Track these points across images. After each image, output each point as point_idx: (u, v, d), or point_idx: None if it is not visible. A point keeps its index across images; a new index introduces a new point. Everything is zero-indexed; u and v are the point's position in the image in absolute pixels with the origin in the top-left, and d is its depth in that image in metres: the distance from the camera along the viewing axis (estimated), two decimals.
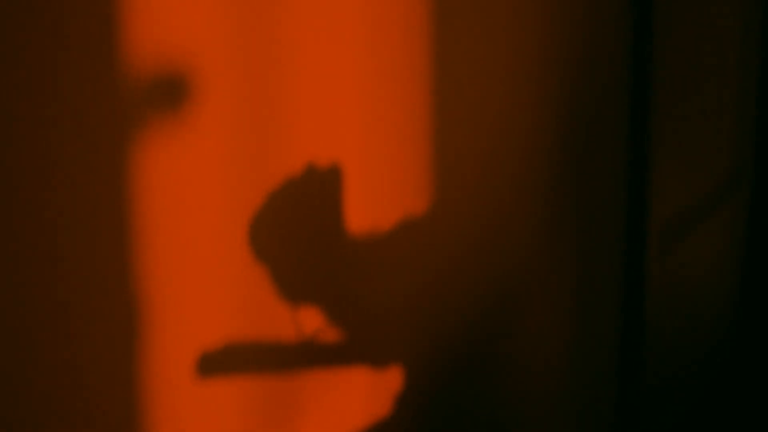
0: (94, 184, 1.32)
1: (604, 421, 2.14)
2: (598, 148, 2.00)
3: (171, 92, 1.37)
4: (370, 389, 1.67)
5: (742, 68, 2.33)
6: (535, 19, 1.82)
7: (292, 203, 1.52)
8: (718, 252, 2.34)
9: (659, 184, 2.14)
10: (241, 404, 1.51)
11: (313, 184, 1.54)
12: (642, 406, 2.19)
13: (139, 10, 1.33)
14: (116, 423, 1.38)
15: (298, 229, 1.54)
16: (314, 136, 1.53)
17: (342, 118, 1.56)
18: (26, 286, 1.28)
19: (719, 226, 2.33)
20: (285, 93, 1.49)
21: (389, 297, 1.67)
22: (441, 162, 1.71)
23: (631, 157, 2.08)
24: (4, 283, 1.27)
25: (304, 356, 1.57)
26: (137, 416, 1.40)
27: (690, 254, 2.26)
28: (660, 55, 2.10)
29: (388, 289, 1.67)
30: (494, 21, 1.75)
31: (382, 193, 1.64)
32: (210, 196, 1.43)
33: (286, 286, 1.53)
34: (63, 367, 1.33)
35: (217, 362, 1.46)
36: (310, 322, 1.57)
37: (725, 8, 2.25)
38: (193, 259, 1.43)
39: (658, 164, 2.13)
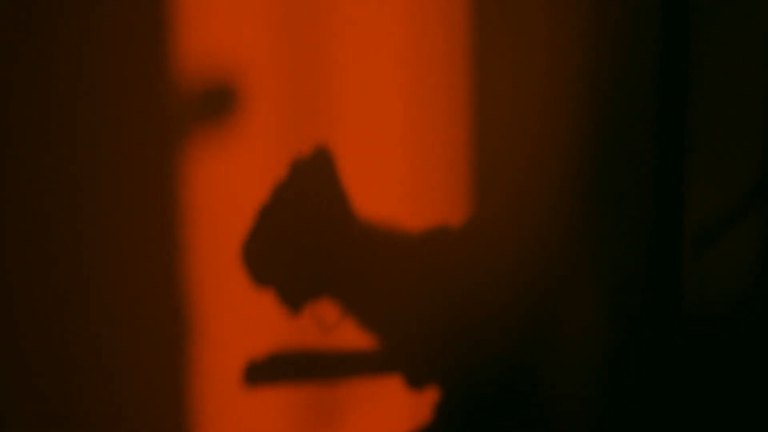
0: (143, 193, 1.32)
1: (641, 427, 2.13)
2: (634, 151, 1.99)
3: (219, 101, 1.37)
4: (410, 399, 1.67)
5: None
6: (569, 22, 1.82)
7: (314, 210, 1.52)
8: (754, 254, 2.34)
9: (694, 186, 2.13)
10: (285, 413, 1.51)
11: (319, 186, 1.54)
12: (677, 409, 2.19)
13: (188, 22, 1.33)
14: (165, 430, 1.39)
15: (327, 237, 1.54)
16: (358, 143, 1.53)
17: (384, 125, 1.56)
18: (75, 293, 1.29)
19: (755, 228, 2.33)
20: (329, 100, 1.49)
21: (428, 307, 1.67)
22: (478, 169, 1.71)
23: (666, 159, 2.07)
24: (53, 288, 1.27)
25: (346, 366, 1.57)
26: (185, 423, 1.41)
27: (725, 256, 2.25)
28: (696, 58, 2.09)
29: (427, 299, 1.67)
30: (531, 28, 1.75)
31: (422, 199, 1.64)
32: (257, 203, 1.43)
33: (313, 296, 1.53)
34: (112, 375, 1.33)
35: (263, 371, 1.47)
36: (345, 331, 1.57)
37: (763, 10, 2.24)
38: (240, 267, 1.43)
39: (694, 166, 2.12)
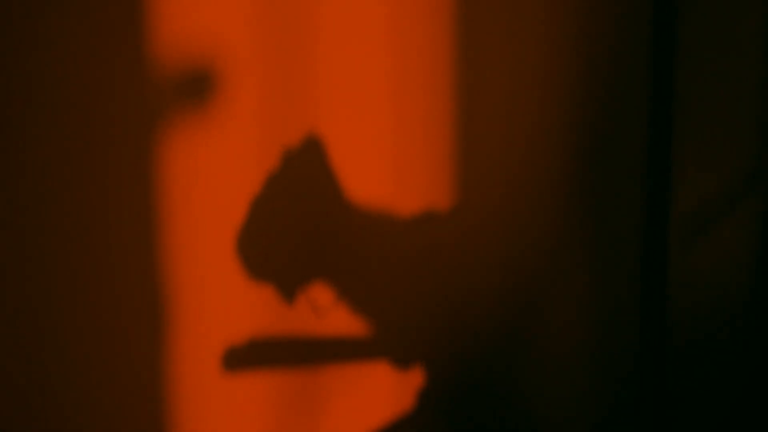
0: (121, 179, 1.32)
1: (627, 418, 2.14)
2: (621, 141, 2.00)
3: (198, 85, 1.37)
4: (394, 384, 1.67)
5: (766, 63, 2.32)
6: (557, 14, 1.82)
7: (301, 195, 1.52)
8: (740, 246, 2.34)
9: (681, 177, 2.13)
10: (267, 398, 1.51)
11: (311, 172, 1.54)
12: (664, 401, 2.19)
13: (168, 6, 1.33)
14: (145, 416, 1.39)
15: (311, 224, 1.54)
16: (340, 131, 1.53)
17: (368, 114, 1.56)
18: (51, 281, 1.29)
19: (742, 220, 2.33)
20: (311, 86, 1.49)
21: (413, 293, 1.67)
22: (464, 157, 1.71)
23: (653, 150, 2.07)
24: (28, 278, 1.27)
25: (330, 351, 1.57)
26: (165, 409, 1.41)
27: (712, 248, 2.25)
28: (683, 49, 2.10)
29: (412, 285, 1.67)
30: (518, 18, 1.75)
31: (408, 189, 1.64)
32: (235, 190, 1.43)
33: (306, 281, 1.54)
34: (91, 362, 1.33)
35: (244, 357, 1.47)
36: (331, 317, 1.57)
37: (751, 3, 2.24)
38: (220, 253, 1.43)
39: (681, 158, 2.12)
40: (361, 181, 1.57)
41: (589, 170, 1.93)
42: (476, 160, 1.73)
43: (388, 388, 1.66)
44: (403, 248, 1.65)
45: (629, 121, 2.00)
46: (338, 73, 1.51)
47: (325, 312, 1.53)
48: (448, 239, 1.71)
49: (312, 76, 1.48)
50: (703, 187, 2.20)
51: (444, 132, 1.67)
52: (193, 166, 1.38)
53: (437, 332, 1.72)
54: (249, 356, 1.48)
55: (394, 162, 1.61)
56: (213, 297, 1.43)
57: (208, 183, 1.40)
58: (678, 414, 2.26)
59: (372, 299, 1.62)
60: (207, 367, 1.44)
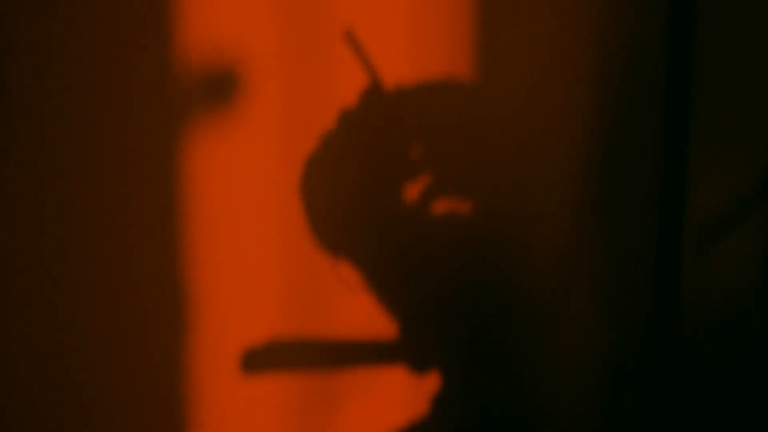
0: (143, 180, 1.33)
1: (639, 423, 2.13)
2: (636, 147, 2.00)
3: (220, 86, 1.38)
4: (409, 389, 1.67)
5: None
6: (572, 18, 1.82)
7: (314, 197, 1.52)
8: (755, 255, 2.33)
9: (696, 183, 2.13)
10: (283, 401, 1.52)
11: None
12: (676, 404, 2.19)
13: (191, 8, 1.33)
14: (163, 417, 1.39)
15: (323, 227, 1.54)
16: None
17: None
18: (72, 282, 1.29)
19: (757, 228, 2.32)
20: (333, 88, 1.49)
21: (428, 296, 1.67)
22: (478, 158, 1.71)
23: (668, 157, 2.07)
24: (49, 278, 1.28)
25: (346, 354, 1.57)
26: (183, 410, 1.41)
27: (726, 256, 2.25)
28: (700, 53, 2.09)
29: (428, 288, 1.67)
30: (532, 22, 1.75)
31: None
32: (257, 191, 1.44)
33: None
34: (110, 363, 1.34)
35: (261, 359, 1.47)
36: (346, 321, 1.57)
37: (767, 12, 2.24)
38: (240, 255, 1.43)
39: (696, 165, 2.12)
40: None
41: (603, 176, 1.93)
42: (489, 163, 1.73)
43: (403, 393, 1.66)
44: (416, 250, 1.65)
45: (644, 126, 2.00)
46: (360, 75, 1.51)
47: (359, 288, 1.53)
48: (461, 242, 1.71)
49: (334, 78, 1.49)
50: (718, 195, 2.19)
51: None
52: (215, 168, 1.39)
53: (451, 336, 1.72)
54: (266, 358, 1.48)
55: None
56: (232, 299, 1.43)
57: (230, 184, 1.40)
58: (691, 422, 2.26)
59: (389, 303, 1.62)
60: (225, 369, 1.44)
